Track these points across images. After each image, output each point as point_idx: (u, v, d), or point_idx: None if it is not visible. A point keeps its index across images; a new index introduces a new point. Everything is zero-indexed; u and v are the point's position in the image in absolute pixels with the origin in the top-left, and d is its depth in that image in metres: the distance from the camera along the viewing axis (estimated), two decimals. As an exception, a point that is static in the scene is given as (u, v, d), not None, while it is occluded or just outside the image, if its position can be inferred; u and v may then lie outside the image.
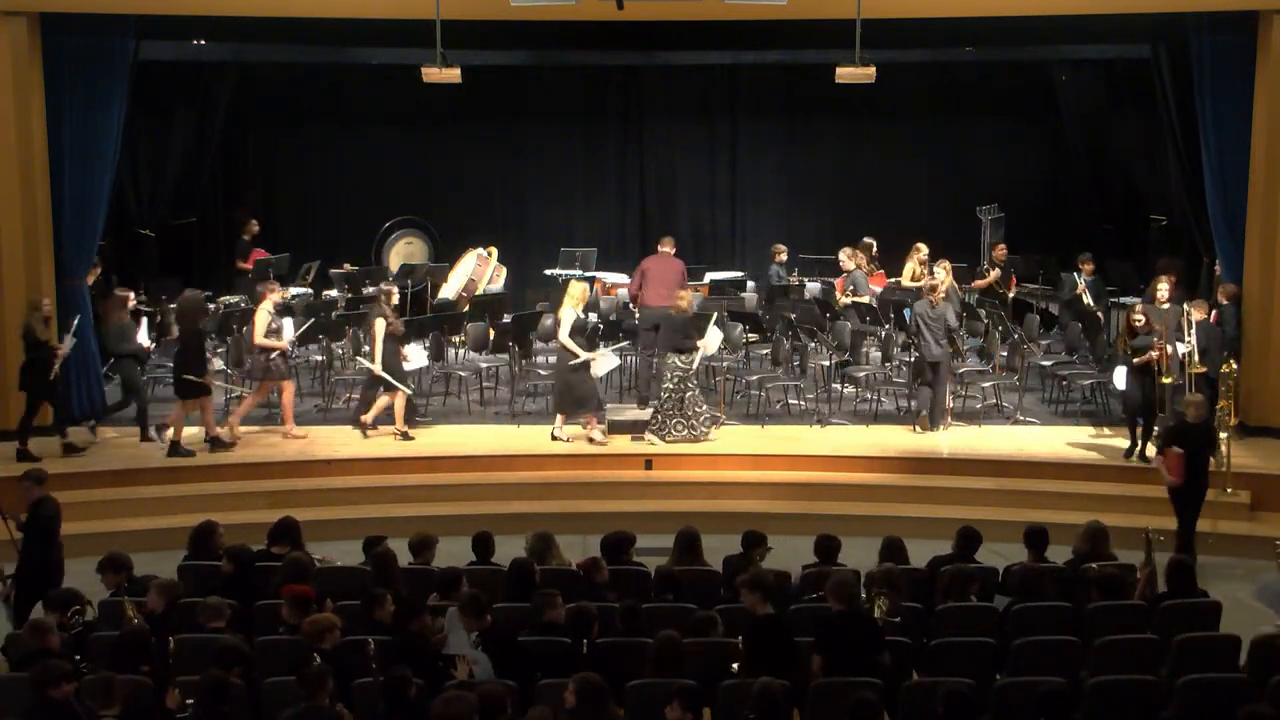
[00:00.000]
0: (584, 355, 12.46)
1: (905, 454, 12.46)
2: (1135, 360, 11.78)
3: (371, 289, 15.96)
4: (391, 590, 7.78)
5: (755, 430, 12.99)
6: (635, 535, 9.02)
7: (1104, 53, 16.39)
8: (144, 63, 13.53)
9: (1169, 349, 11.74)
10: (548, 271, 16.26)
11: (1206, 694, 6.82)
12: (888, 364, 14.22)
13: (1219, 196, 13.04)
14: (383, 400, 12.70)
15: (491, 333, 14.04)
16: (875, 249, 15.58)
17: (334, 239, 17.89)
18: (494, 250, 15.87)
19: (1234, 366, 12.46)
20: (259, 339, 12.44)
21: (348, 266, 16.45)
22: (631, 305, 14.00)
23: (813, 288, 15.69)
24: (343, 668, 6.92)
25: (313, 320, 13.78)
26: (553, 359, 13.60)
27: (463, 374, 14.21)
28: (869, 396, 13.79)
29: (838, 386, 13.98)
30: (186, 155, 16.55)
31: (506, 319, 14.27)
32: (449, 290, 15.52)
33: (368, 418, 12.72)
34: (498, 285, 15.67)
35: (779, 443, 12.65)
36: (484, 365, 14.26)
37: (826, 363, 13.77)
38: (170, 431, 12.26)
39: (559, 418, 12.66)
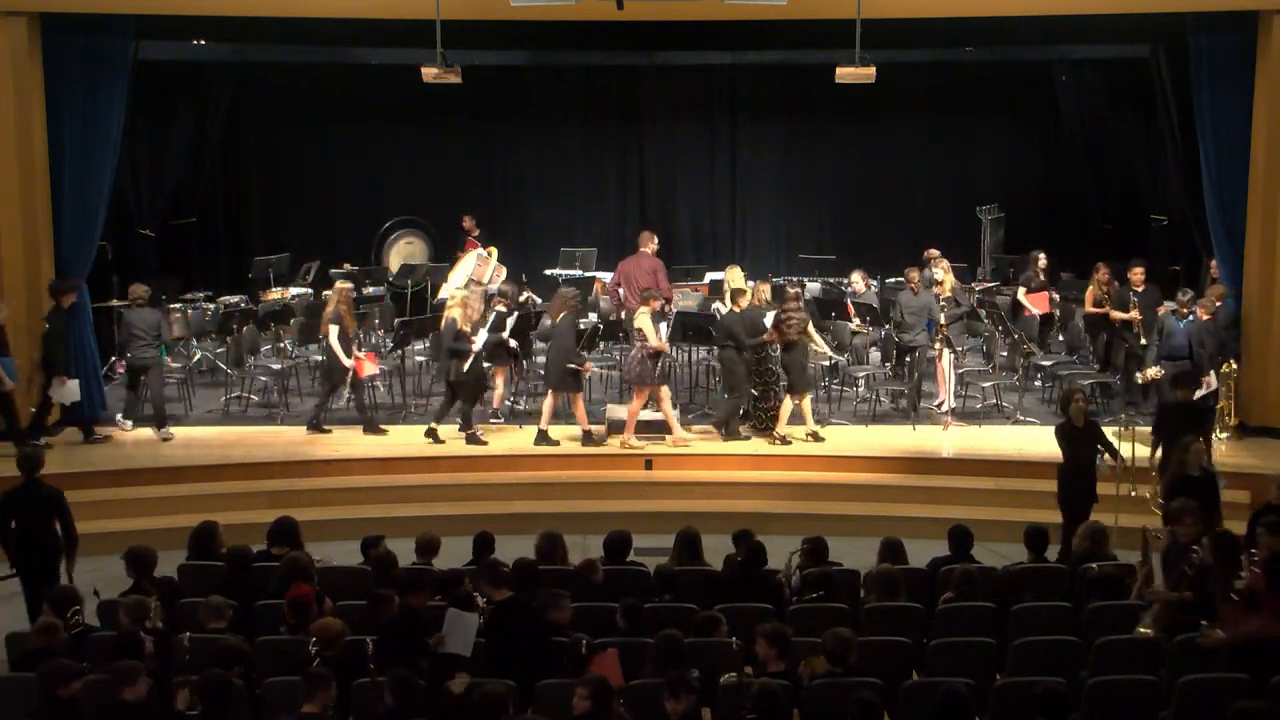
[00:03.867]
0: (825, 349, 12.84)
1: (905, 454, 12.46)
2: None
3: (372, 289, 16.00)
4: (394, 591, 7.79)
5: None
6: (632, 536, 9.02)
7: (1104, 53, 16.41)
8: (144, 63, 13.53)
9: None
10: (548, 271, 16.27)
11: (1206, 694, 6.82)
12: (887, 364, 14.24)
13: (1216, 197, 13.04)
14: (788, 405, 12.56)
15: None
16: (1043, 262, 14.96)
17: (334, 239, 17.91)
18: (494, 250, 15.86)
19: (1233, 366, 12.49)
20: (653, 342, 12.18)
21: (348, 266, 16.46)
22: (622, 313, 13.97)
23: (813, 288, 15.68)
24: (343, 668, 6.93)
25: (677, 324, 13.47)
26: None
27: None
28: (869, 396, 13.79)
29: (838, 386, 14.00)
30: (186, 155, 16.58)
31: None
32: (449, 290, 15.50)
33: (781, 429, 12.53)
34: (497, 285, 15.66)
35: (779, 443, 12.64)
36: (484, 365, 14.23)
37: (826, 362, 13.78)
38: (543, 420, 12.42)
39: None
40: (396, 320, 14.38)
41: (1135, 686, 7.01)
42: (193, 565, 8.71)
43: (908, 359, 13.44)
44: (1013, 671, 7.26)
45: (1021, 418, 13.29)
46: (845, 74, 11.98)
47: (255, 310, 14.80)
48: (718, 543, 9.14)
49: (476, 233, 16.58)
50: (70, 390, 12.40)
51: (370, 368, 12.94)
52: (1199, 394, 12.40)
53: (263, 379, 14.03)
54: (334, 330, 12.52)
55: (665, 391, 12.45)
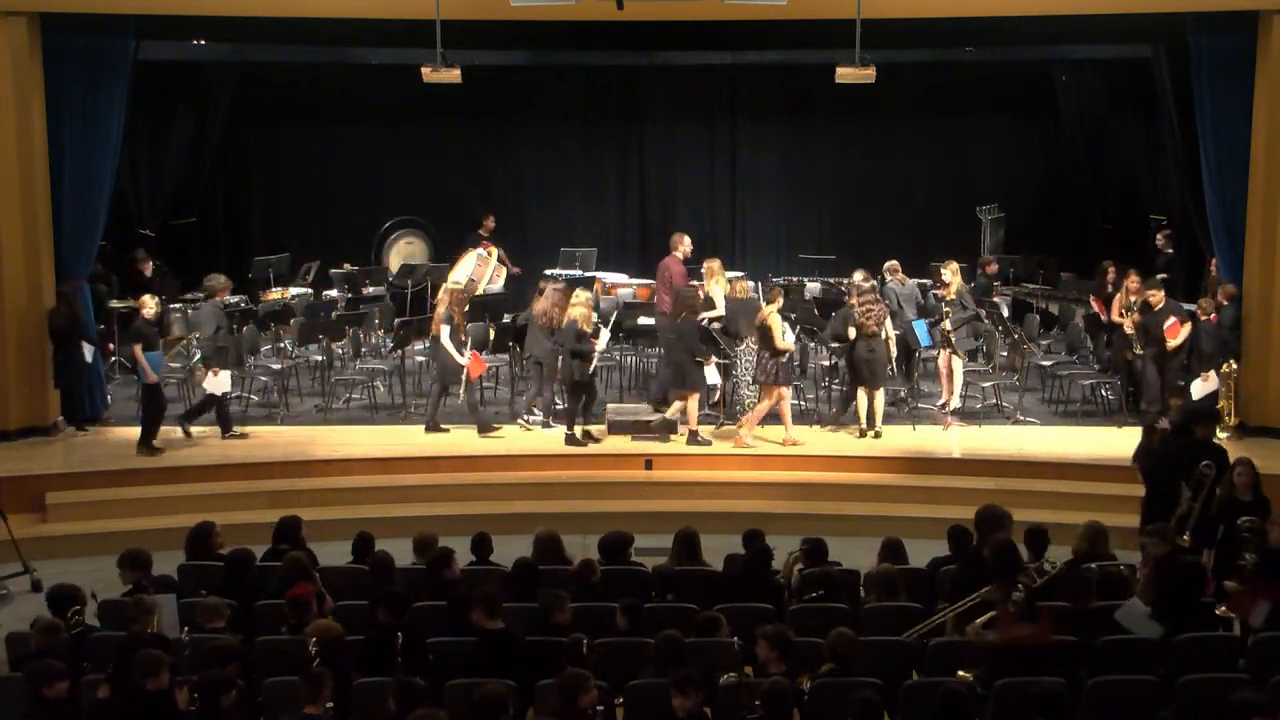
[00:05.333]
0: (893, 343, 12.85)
1: (905, 454, 12.46)
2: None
3: (372, 289, 15.99)
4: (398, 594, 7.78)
5: (755, 430, 12.95)
6: (633, 535, 9.02)
7: (1104, 53, 16.40)
8: (144, 63, 13.53)
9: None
10: (548, 271, 16.26)
11: (1206, 694, 6.82)
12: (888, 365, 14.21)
13: (1217, 197, 13.04)
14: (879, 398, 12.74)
15: (491, 333, 14.04)
16: (1112, 274, 14.75)
17: (334, 239, 17.90)
18: (494, 250, 15.87)
19: (1234, 366, 12.48)
20: (779, 343, 12.18)
21: (348, 266, 16.46)
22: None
23: (812, 288, 15.69)
24: (343, 668, 6.94)
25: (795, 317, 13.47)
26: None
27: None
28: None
29: (839, 386, 13.98)
30: (186, 155, 16.59)
31: (506, 319, 14.28)
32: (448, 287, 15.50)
33: (877, 424, 12.69)
34: (498, 285, 15.67)
35: (779, 443, 12.64)
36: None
37: (826, 362, 13.77)
38: (688, 419, 12.43)
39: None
40: (396, 320, 14.38)
41: (1135, 686, 7.01)
42: (192, 565, 8.71)
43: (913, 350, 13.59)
44: (1013, 671, 7.25)
45: (1021, 418, 13.29)
46: (845, 74, 11.97)
47: (255, 310, 14.80)
48: (718, 543, 9.14)
49: (489, 230, 16.62)
50: (222, 381, 12.50)
51: (480, 368, 12.86)
52: (1201, 393, 12.45)
53: (263, 379, 14.02)
54: (445, 330, 12.50)
55: (788, 391, 12.47)
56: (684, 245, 13.45)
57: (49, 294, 12.79)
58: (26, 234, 12.61)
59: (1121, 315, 13.32)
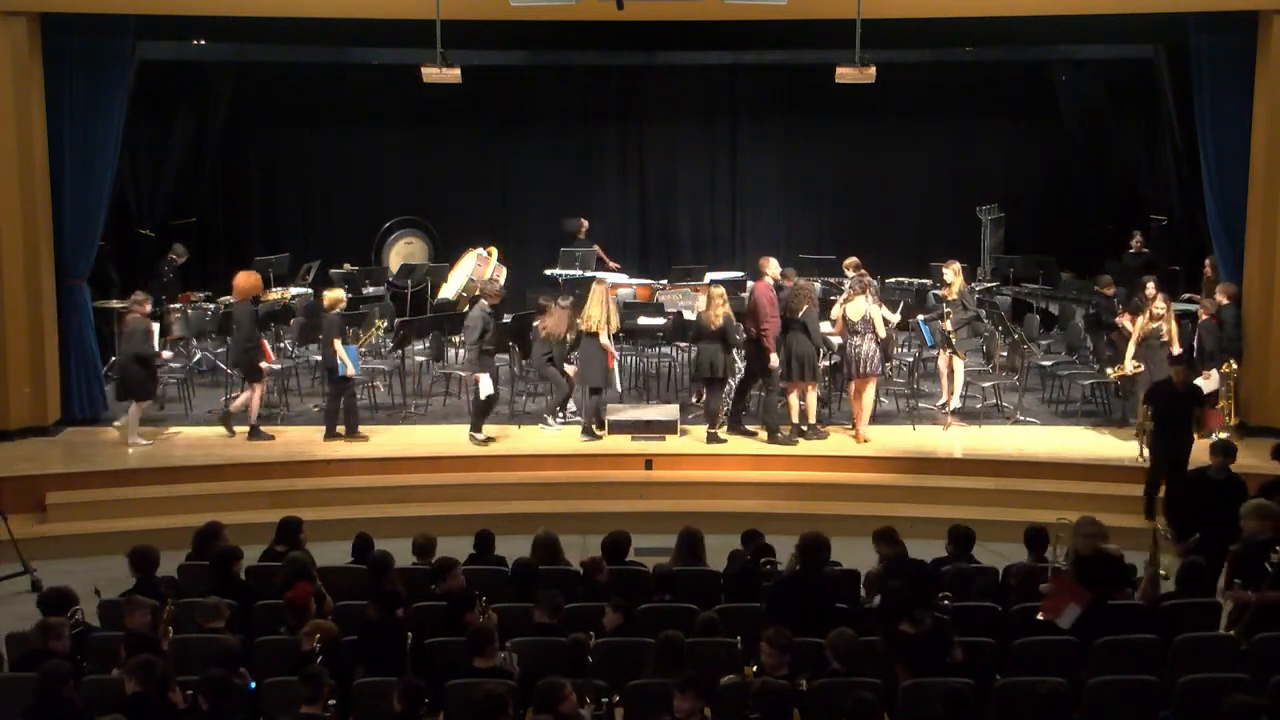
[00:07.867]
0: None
1: (905, 454, 12.46)
2: None
3: (372, 289, 15.98)
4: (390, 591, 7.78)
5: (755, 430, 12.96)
6: (630, 535, 9.02)
7: (1104, 53, 16.40)
8: (144, 63, 13.55)
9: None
10: (548, 271, 16.27)
11: (1206, 694, 6.81)
12: (888, 364, 14.21)
13: (1217, 196, 13.04)
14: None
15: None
16: (1151, 290, 14.65)
17: (334, 239, 17.91)
18: (494, 250, 15.86)
19: (1234, 366, 12.48)
20: (884, 332, 12.33)
21: (348, 266, 16.46)
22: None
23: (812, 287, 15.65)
24: (342, 668, 6.93)
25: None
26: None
27: (463, 374, 14.20)
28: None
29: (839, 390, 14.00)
30: (186, 155, 16.57)
31: (506, 319, 14.27)
32: (449, 290, 15.51)
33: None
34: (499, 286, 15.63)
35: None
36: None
37: (827, 362, 13.76)
38: (794, 414, 12.59)
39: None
40: (396, 320, 14.37)
41: (1135, 686, 7.01)
42: (193, 565, 8.71)
43: None
44: (1013, 671, 7.26)
45: (1021, 418, 13.29)
46: (845, 74, 11.97)
47: (256, 310, 14.78)
48: (718, 543, 9.14)
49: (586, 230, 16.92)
50: (485, 385, 12.47)
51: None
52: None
53: (263, 379, 14.01)
54: (605, 330, 12.47)
55: (873, 384, 12.59)
56: (770, 268, 12.81)
57: (49, 294, 12.78)
58: (26, 234, 12.62)
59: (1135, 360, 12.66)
